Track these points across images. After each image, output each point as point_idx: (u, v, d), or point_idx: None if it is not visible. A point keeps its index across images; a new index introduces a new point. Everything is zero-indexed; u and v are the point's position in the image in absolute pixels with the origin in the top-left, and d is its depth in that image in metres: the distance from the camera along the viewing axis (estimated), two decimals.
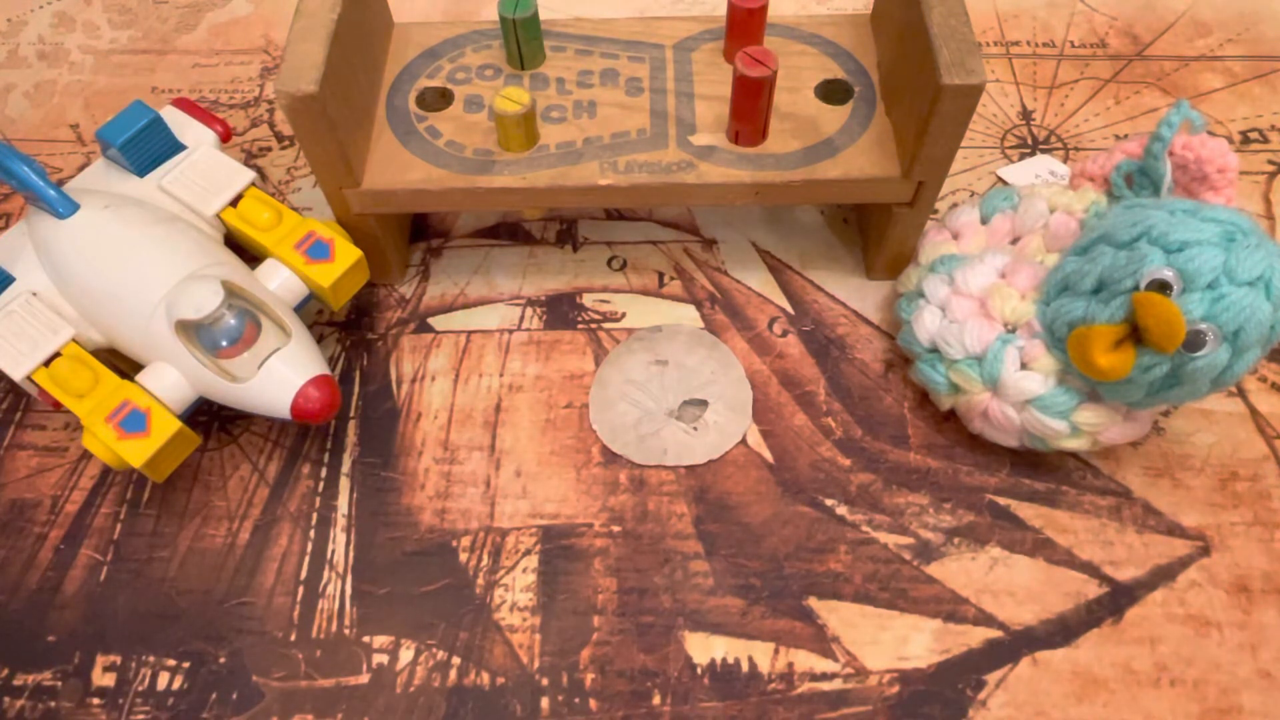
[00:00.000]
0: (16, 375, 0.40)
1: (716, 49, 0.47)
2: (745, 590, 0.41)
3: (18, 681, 0.39)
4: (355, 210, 0.44)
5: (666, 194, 0.43)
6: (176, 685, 0.39)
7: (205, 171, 0.45)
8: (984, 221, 0.45)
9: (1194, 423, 0.44)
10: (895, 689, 0.38)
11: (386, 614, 0.40)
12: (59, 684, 0.39)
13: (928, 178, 0.42)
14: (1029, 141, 0.54)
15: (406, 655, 0.40)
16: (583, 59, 0.47)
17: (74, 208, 0.42)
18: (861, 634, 0.40)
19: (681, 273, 0.50)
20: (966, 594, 0.40)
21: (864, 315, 0.48)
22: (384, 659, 0.39)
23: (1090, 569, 0.41)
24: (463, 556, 0.42)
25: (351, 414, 0.46)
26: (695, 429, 0.45)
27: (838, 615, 0.40)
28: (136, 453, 0.38)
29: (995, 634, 0.39)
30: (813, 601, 0.40)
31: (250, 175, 0.45)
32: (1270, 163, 0.53)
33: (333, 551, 0.42)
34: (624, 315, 0.48)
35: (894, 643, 0.39)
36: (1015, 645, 0.39)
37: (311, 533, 0.42)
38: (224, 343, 0.40)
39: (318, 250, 0.43)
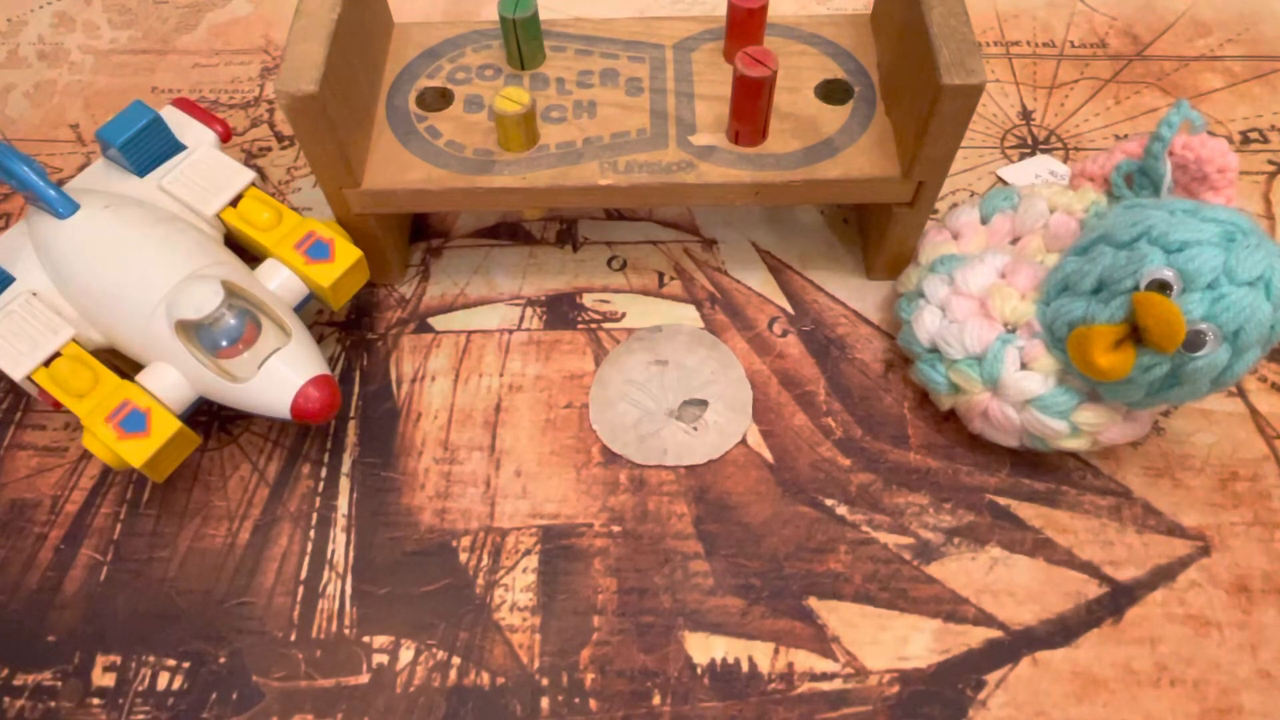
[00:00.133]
0: (16, 375, 0.40)
1: (716, 49, 0.47)
2: (745, 590, 0.41)
3: (18, 681, 0.39)
4: (355, 210, 0.44)
5: (666, 194, 0.43)
6: (176, 685, 0.39)
7: (205, 171, 0.45)
8: (984, 221, 0.45)
9: (1194, 423, 0.44)
10: (895, 689, 0.38)
11: (386, 614, 0.40)
12: (59, 684, 0.39)
13: (928, 178, 0.42)
14: (1029, 141, 0.54)
15: (406, 655, 0.40)
16: (583, 59, 0.47)
17: (74, 208, 0.42)
18: (861, 634, 0.40)
19: (681, 273, 0.50)
20: (966, 594, 0.40)
21: (864, 315, 0.48)
22: (384, 659, 0.39)
23: (1090, 569, 0.41)
24: (463, 556, 0.42)
25: (351, 414, 0.46)
26: (695, 429, 0.45)
27: (838, 615, 0.40)
28: (136, 453, 0.38)
29: (995, 634, 0.39)
30: (813, 601, 0.40)
31: (250, 175, 0.45)
32: (1270, 163, 0.53)
33: (333, 551, 0.42)
34: (624, 315, 0.48)
35: (894, 643, 0.39)
36: (1015, 645, 0.39)
37: (311, 533, 0.42)
38: (224, 343, 0.40)
39: (318, 250, 0.43)
